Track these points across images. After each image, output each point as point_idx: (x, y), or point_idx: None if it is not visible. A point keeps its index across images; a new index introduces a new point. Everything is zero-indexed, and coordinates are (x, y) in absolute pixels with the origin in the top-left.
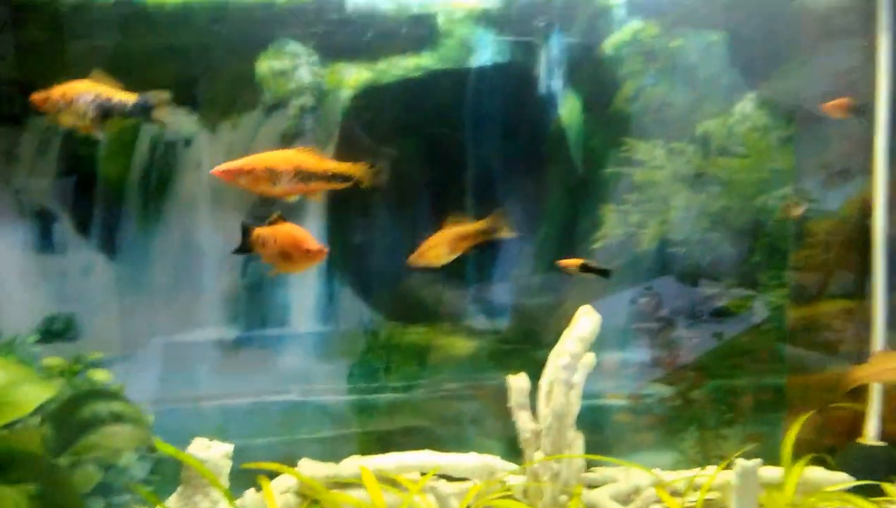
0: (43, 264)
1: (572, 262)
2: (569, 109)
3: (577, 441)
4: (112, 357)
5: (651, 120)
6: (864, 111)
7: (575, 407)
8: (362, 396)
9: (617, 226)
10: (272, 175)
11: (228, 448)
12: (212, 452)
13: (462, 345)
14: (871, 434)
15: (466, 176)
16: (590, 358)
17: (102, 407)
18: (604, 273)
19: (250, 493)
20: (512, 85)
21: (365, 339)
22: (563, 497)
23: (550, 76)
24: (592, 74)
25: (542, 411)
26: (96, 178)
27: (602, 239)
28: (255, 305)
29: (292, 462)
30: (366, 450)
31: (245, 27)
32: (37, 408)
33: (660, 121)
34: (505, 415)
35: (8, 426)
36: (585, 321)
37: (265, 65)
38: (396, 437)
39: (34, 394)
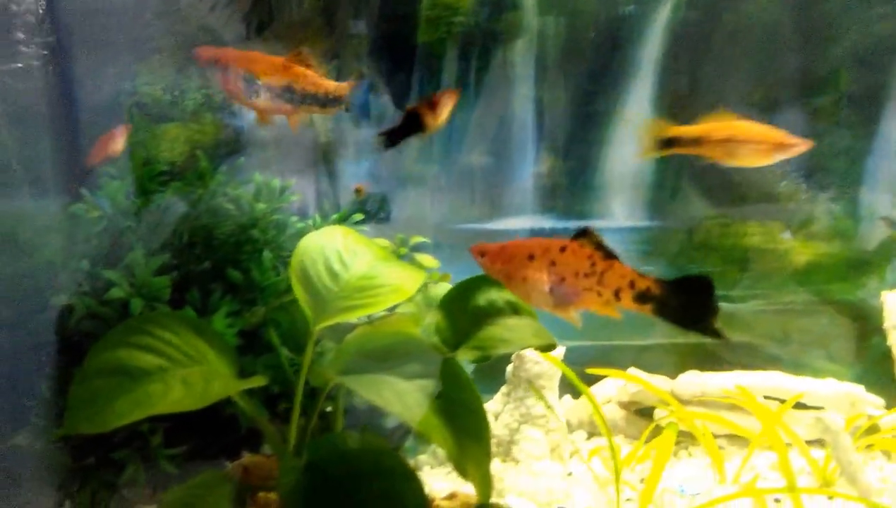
0: (357, 138)
1: None
2: None
3: None
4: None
5: None
6: None
7: None
8: None
9: None
10: None
11: (560, 350)
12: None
13: (805, 251)
14: None
15: None
16: None
17: (497, 296)
18: None
19: (566, 401)
20: None
21: (678, 239)
22: None
23: None
24: None
25: None
26: (414, 45)
27: None
28: (573, 194)
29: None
30: (687, 364)
31: None
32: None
33: None
34: (856, 337)
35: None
36: None
37: None
38: (722, 352)
39: (409, 277)
